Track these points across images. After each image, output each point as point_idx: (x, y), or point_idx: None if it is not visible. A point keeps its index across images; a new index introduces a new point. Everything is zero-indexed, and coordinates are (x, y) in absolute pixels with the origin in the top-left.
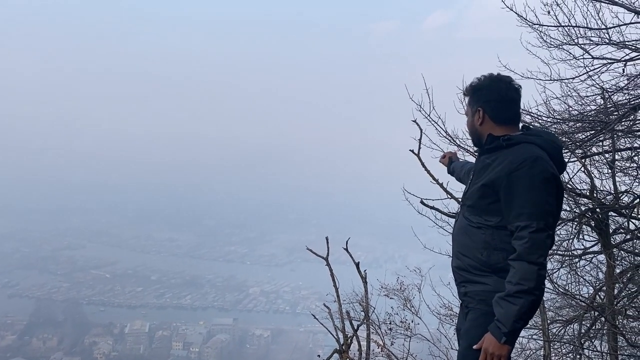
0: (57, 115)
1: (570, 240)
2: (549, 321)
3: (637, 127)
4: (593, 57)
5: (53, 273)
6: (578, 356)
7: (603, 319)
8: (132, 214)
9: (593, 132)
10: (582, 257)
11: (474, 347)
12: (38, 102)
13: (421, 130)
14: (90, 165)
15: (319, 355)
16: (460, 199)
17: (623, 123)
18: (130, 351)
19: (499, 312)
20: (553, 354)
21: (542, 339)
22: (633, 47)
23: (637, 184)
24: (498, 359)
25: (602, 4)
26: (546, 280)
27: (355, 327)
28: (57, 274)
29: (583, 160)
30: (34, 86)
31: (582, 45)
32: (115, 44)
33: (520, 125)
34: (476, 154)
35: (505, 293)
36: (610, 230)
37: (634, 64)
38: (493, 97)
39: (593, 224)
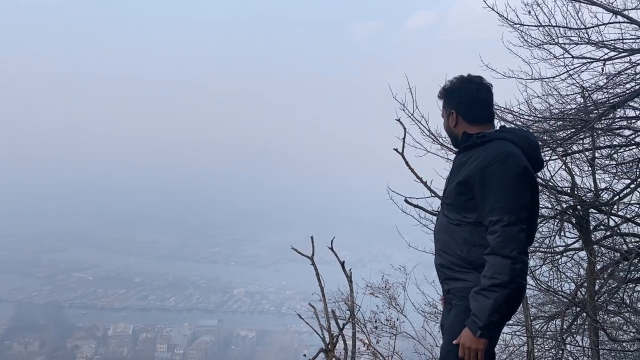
0: (38, 117)
1: (552, 237)
2: (531, 317)
3: (616, 125)
4: (573, 57)
5: (34, 276)
6: (560, 351)
7: (585, 314)
8: (114, 216)
9: (573, 130)
10: (564, 254)
11: (454, 342)
12: (20, 103)
13: (405, 129)
14: (71, 167)
15: (304, 355)
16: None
17: (602, 121)
18: (114, 354)
19: (474, 307)
20: (536, 350)
21: (525, 335)
22: (612, 47)
23: (616, 181)
24: (475, 352)
25: (581, 4)
26: (529, 277)
27: (341, 326)
28: (38, 277)
29: (564, 158)
30: (18, 87)
31: (562, 45)
32: (105, 47)
33: (498, 124)
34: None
35: (480, 287)
36: (591, 227)
37: (613, 63)
38: (464, 98)
39: (574, 221)
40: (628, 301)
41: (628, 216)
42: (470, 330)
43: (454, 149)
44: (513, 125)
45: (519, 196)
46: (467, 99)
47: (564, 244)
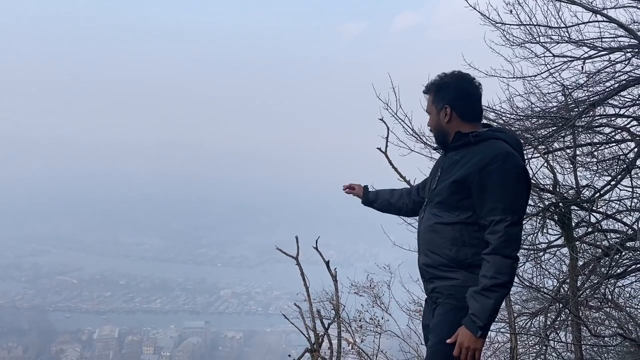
0: (18, 118)
1: (535, 234)
2: (515, 314)
3: (597, 123)
4: (554, 55)
5: (17, 280)
6: (544, 348)
7: (567, 310)
8: (97, 219)
9: (555, 128)
10: (547, 251)
11: (448, 341)
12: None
13: (388, 128)
14: (51, 170)
15: (289, 356)
16: (423, 197)
17: (583, 119)
18: (99, 357)
19: (474, 306)
20: (520, 346)
21: (509, 332)
22: (591, 45)
23: (597, 178)
24: (473, 352)
25: (561, 3)
26: None
27: (326, 326)
28: (21, 280)
29: (546, 156)
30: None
31: (544, 44)
32: (95, 50)
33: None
34: (438, 151)
35: (481, 287)
36: (573, 224)
37: (593, 62)
38: (460, 94)
39: (556, 218)
40: (610, 297)
41: (609, 213)
42: (470, 330)
43: (436, 145)
44: (496, 124)
45: (519, 196)
46: (464, 95)
47: (546, 241)
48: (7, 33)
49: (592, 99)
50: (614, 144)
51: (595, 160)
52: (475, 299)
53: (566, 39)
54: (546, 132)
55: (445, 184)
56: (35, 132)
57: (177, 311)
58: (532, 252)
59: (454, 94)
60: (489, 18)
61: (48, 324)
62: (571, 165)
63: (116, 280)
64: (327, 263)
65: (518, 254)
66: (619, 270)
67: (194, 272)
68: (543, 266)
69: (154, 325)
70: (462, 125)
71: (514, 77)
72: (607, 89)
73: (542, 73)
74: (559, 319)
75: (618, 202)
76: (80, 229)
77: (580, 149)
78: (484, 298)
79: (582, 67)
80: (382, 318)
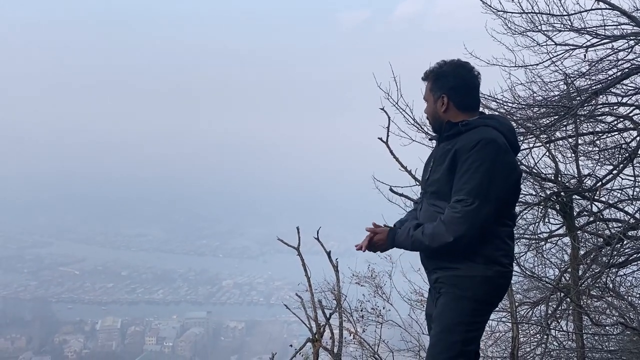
0: (19, 103)
1: (537, 223)
2: (517, 303)
3: (599, 111)
4: (556, 44)
5: (19, 272)
6: (545, 337)
7: (569, 299)
8: (99, 210)
9: (557, 117)
10: (548, 240)
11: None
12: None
13: (389, 118)
14: (51, 161)
15: (291, 345)
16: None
17: (585, 108)
18: (102, 348)
19: (402, 234)
20: (521, 336)
21: (510, 321)
22: (594, 33)
23: (599, 167)
24: (374, 246)
25: None
26: (514, 263)
27: (328, 316)
28: (23, 272)
29: (547, 145)
30: None
31: (545, 32)
32: (98, 37)
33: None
34: (433, 141)
35: (415, 233)
36: (575, 213)
37: (595, 50)
38: (458, 83)
39: (558, 207)
40: (611, 286)
41: (611, 202)
42: (388, 239)
43: (433, 134)
44: (496, 113)
45: (491, 184)
46: (462, 84)
47: (548, 230)
48: (6, 30)
49: (594, 87)
50: (616, 133)
51: (597, 149)
52: (406, 232)
53: (568, 27)
54: (548, 121)
55: (438, 174)
56: (36, 127)
57: (179, 302)
58: (533, 241)
59: (452, 83)
60: (490, 6)
61: (51, 315)
62: (573, 155)
63: (118, 272)
64: (329, 254)
65: (460, 238)
66: (620, 260)
67: (196, 263)
68: (544, 255)
69: (156, 316)
70: (458, 115)
71: (515, 66)
72: (609, 78)
73: (544, 62)
74: (560, 308)
75: (620, 191)
76: (82, 221)
77: (582, 137)
78: (408, 240)
79: (585, 55)
80: (384, 308)
